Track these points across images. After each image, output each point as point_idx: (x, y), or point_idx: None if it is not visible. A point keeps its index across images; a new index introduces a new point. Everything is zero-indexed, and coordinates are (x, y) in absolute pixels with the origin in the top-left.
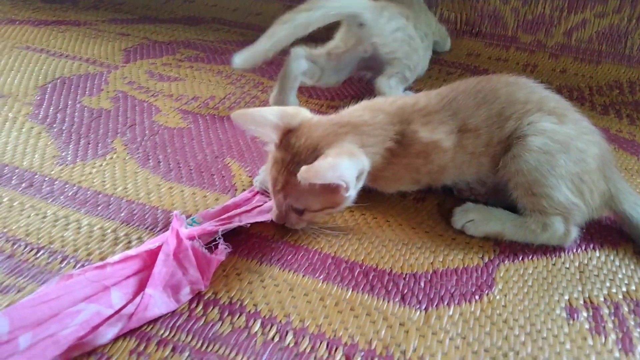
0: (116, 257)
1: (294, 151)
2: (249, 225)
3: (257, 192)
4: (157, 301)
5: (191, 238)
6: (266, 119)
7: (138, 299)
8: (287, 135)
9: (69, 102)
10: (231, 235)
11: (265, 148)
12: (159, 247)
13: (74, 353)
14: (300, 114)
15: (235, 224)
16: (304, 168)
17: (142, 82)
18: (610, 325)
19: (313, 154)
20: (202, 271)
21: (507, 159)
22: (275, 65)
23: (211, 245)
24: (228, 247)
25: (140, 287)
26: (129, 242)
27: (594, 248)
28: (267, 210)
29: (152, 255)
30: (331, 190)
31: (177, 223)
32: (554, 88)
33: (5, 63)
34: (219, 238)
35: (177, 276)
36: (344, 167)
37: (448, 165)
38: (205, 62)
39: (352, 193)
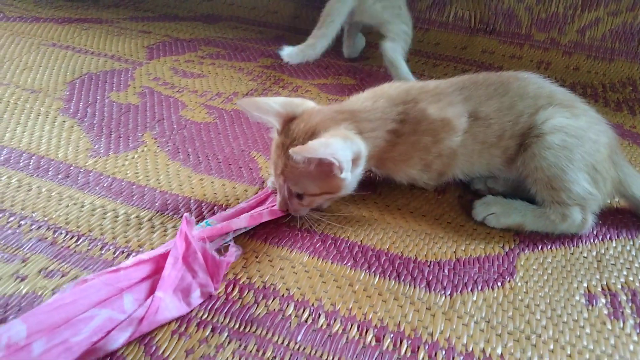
0: (129, 262)
1: (293, 136)
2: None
3: (271, 193)
4: (167, 304)
5: (202, 240)
6: (270, 106)
7: (148, 301)
8: (289, 122)
9: (98, 97)
10: (261, 227)
11: (270, 135)
12: (169, 252)
13: (87, 359)
14: (304, 104)
15: (244, 226)
16: (294, 147)
17: (166, 79)
18: (628, 310)
19: (310, 137)
20: (211, 274)
21: (527, 157)
22: None
23: (220, 248)
24: (239, 249)
25: (152, 292)
26: (165, 230)
27: (610, 238)
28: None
29: (164, 259)
30: (327, 173)
31: (186, 226)
32: (567, 85)
33: (33, 59)
34: (230, 240)
35: (187, 280)
36: (336, 145)
37: (458, 151)
38: (226, 59)
39: (347, 176)
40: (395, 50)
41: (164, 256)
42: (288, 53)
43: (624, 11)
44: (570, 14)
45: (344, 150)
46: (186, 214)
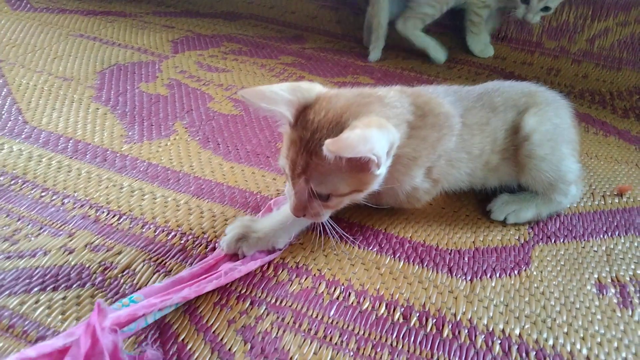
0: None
1: (314, 127)
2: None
3: (223, 258)
4: None
5: (113, 332)
6: (278, 94)
7: None
8: (304, 112)
9: (128, 87)
10: None
11: (279, 129)
12: (68, 348)
13: None
14: (315, 87)
15: (176, 299)
16: (329, 140)
17: (192, 72)
18: (636, 300)
19: (337, 127)
20: None
21: (519, 163)
22: (314, 60)
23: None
24: (159, 352)
25: None
26: (201, 212)
27: (619, 235)
28: (227, 272)
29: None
30: (360, 168)
31: (97, 316)
32: (576, 92)
33: (63, 49)
34: (147, 344)
35: None
36: (375, 139)
37: (452, 155)
38: (248, 55)
39: (382, 171)
40: (405, 27)
41: (62, 352)
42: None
43: (633, 22)
44: (580, 24)
45: (381, 143)
46: (99, 300)
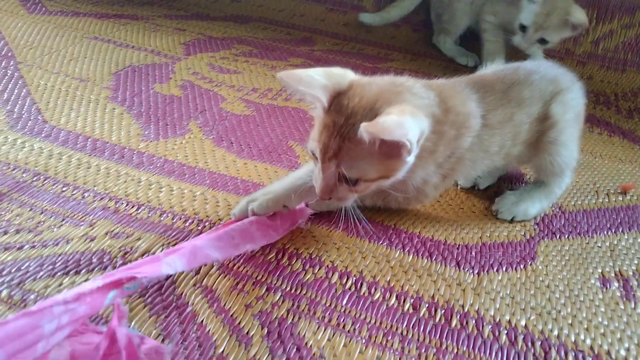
0: None
1: (348, 112)
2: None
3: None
4: None
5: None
6: (314, 79)
7: None
8: (337, 97)
9: (142, 88)
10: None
11: (312, 113)
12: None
13: None
14: (347, 74)
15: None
16: (367, 123)
17: (205, 74)
18: (639, 294)
19: (371, 112)
20: None
21: (538, 149)
22: (322, 62)
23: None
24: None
25: None
26: (217, 201)
27: (622, 231)
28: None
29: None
30: (391, 155)
31: (117, 320)
32: None
33: (78, 51)
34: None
35: None
36: (410, 125)
37: (465, 155)
38: (258, 57)
39: (411, 158)
40: (440, 42)
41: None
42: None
43: (637, 25)
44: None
45: (414, 130)
46: (118, 301)
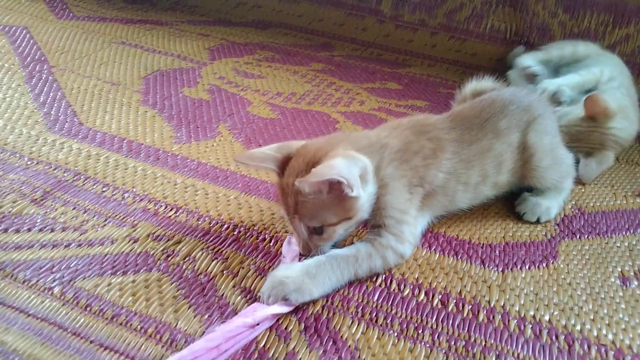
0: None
1: (296, 172)
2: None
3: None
4: None
5: None
6: (264, 153)
7: None
8: (288, 162)
9: (172, 92)
10: None
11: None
12: None
13: None
14: (297, 143)
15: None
16: (298, 179)
17: (230, 78)
18: None
19: (312, 167)
20: None
21: (528, 171)
22: (343, 67)
23: None
24: None
25: None
26: (250, 207)
27: None
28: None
29: None
30: (340, 197)
31: None
32: None
33: (107, 55)
34: None
35: None
36: (339, 164)
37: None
38: (281, 62)
39: (360, 193)
40: None
41: None
42: None
43: None
44: (601, 30)
45: (348, 167)
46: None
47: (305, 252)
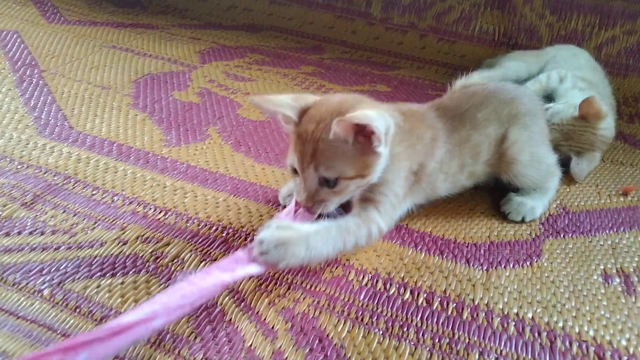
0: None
1: (317, 118)
2: None
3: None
4: None
5: None
6: (283, 100)
7: None
8: (305, 112)
9: (162, 95)
10: None
11: (284, 128)
12: None
13: None
14: (313, 97)
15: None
16: (337, 118)
17: (220, 81)
18: (639, 289)
19: (338, 115)
20: None
21: (505, 164)
22: (333, 70)
23: None
24: None
25: None
26: (239, 209)
27: (624, 230)
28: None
29: None
30: (364, 150)
31: None
32: None
33: (98, 59)
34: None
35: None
36: (374, 116)
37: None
38: (271, 65)
39: (384, 151)
40: None
41: None
42: None
43: (639, 31)
44: (588, 32)
45: (379, 120)
46: None
47: (308, 205)
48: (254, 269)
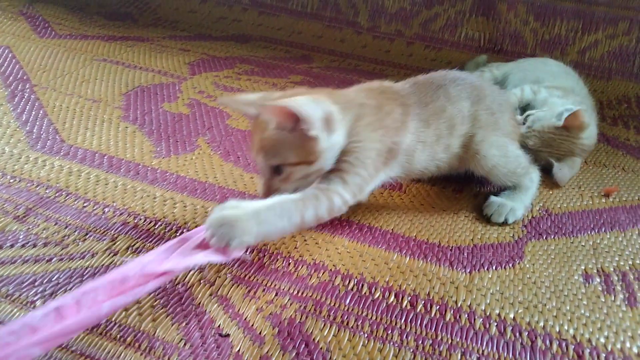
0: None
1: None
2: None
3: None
4: None
5: None
6: (247, 99)
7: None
8: None
9: (152, 107)
10: None
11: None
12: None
13: None
14: (280, 93)
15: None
16: (261, 104)
17: (210, 92)
18: (618, 288)
19: None
20: None
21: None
22: (321, 79)
23: None
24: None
25: None
26: None
27: (605, 231)
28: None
29: None
30: (302, 137)
31: None
32: None
33: (89, 73)
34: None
35: None
36: (301, 100)
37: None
38: (260, 75)
39: (320, 135)
40: None
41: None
42: None
43: (621, 35)
44: (571, 36)
45: (310, 106)
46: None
47: (266, 194)
48: (212, 256)
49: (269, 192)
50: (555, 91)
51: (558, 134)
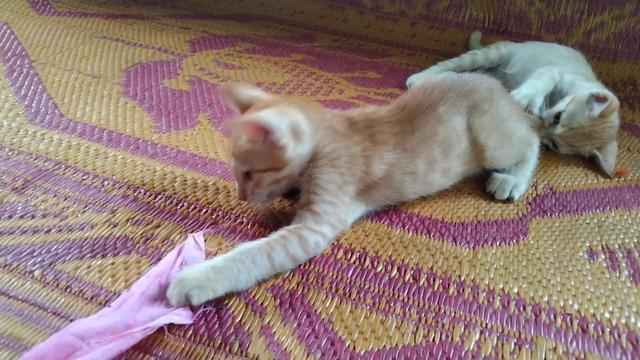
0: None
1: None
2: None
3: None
4: None
5: None
6: (239, 97)
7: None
8: (247, 108)
9: (152, 84)
10: None
11: None
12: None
13: None
14: (268, 97)
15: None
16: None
17: (211, 69)
18: (623, 264)
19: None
20: None
21: (478, 153)
22: (323, 58)
23: None
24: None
25: None
26: (228, 192)
27: (610, 209)
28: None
29: None
30: (271, 147)
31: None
32: None
33: (89, 49)
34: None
35: None
36: (267, 113)
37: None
38: (261, 53)
39: (288, 144)
40: None
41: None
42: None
43: (627, 16)
44: (577, 18)
45: (276, 117)
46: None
47: (241, 197)
48: (175, 317)
49: (243, 195)
50: (577, 76)
51: (598, 124)
